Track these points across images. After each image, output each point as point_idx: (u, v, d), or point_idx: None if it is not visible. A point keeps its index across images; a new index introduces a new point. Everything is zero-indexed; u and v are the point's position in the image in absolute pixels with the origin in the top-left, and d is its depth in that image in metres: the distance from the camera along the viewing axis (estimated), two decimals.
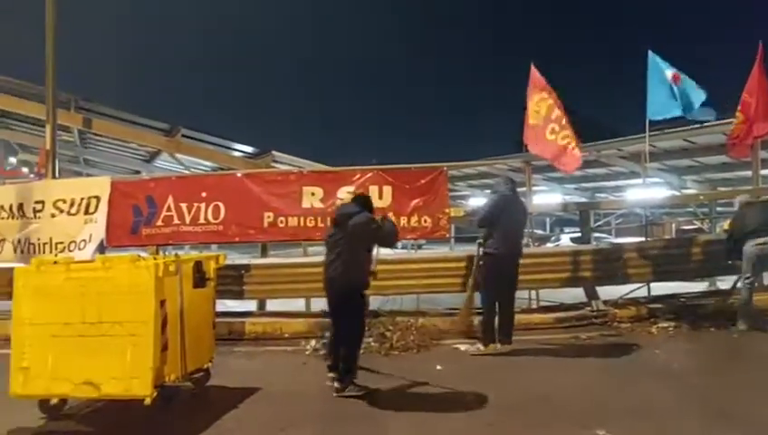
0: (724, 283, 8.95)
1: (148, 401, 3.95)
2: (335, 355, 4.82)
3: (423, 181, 7.53)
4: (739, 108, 7.99)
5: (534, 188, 17.60)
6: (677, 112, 8.18)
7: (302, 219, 7.41)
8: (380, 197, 7.45)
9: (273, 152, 12.55)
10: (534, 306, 8.02)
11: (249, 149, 13.15)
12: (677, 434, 3.80)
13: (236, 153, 13.24)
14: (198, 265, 4.72)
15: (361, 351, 5.89)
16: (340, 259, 4.74)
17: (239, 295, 7.32)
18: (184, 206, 7.45)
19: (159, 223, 7.46)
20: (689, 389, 4.62)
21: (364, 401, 4.48)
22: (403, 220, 7.46)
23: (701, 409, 4.16)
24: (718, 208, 20.36)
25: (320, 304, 7.87)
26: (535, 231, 14.34)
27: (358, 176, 7.54)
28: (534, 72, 7.90)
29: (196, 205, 7.45)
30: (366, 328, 5.33)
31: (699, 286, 8.44)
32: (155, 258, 4.75)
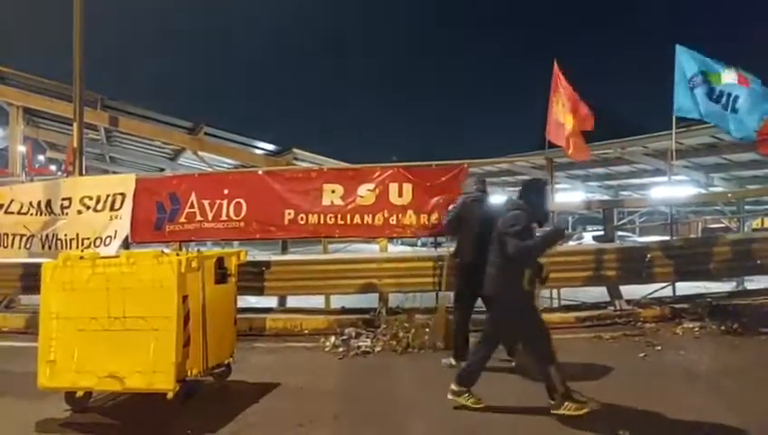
0: (753, 283, 8.74)
1: (170, 395, 4.01)
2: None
3: (443, 179, 7.50)
4: None
5: (557, 186, 17.37)
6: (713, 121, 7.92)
7: (322, 217, 7.45)
8: (400, 194, 7.47)
9: (295, 150, 12.65)
10: (556, 305, 7.91)
11: (270, 146, 13.28)
12: None
13: (258, 151, 13.39)
14: (220, 262, 4.78)
15: (379, 349, 5.97)
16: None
17: (260, 292, 7.39)
18: (206, 203, 7.55)
19: (182, 219, 7.58)
20: (717, 391, 4.51)
21: (383, 400, 4.48)
22: (423, 218, 7.45)
23: (728, 412, 4.05)
24: (747, 207, 19.93)
25: (339, 301, 7.94)
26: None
27: (378, 173, 7.55)
28: (557, 69, 7.81)
29: (218, 202, 7.54)
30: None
31: (726, 286, 8.22)
32: (178, 254, 4.81)
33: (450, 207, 6.01)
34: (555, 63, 7.85)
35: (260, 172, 7.99)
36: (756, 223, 19.28)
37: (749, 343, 5.91)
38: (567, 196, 20.00)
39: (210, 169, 13.53)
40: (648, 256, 7.24)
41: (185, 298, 4.15)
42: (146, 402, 4.25)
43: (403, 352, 5.95)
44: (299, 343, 6.49)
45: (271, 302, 8.16)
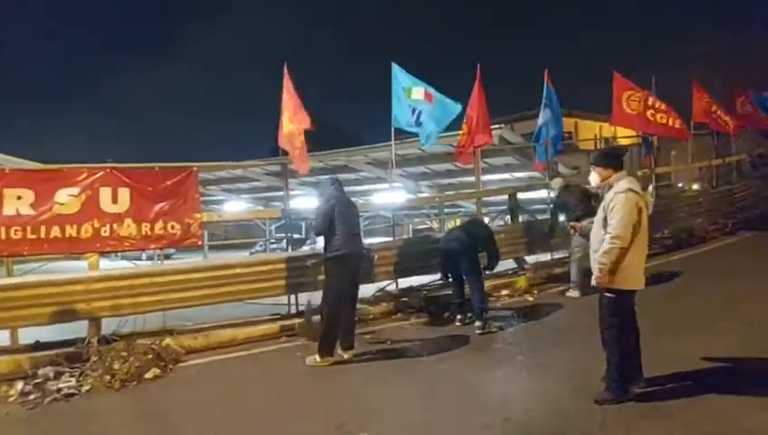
0: None
1: None
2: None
3: (169, 183, 6.79)
4: (464, 121, 9.21)
5: (292, 193, 17.73)
6: (416, 132, 9.05)
7: (3, 230, 5.89)
8: (115, 201, 6.51)
9: None
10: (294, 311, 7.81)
11: None
12: (429, 425, 3.96)
13: None
14: None
15: (87, 388, 4.95)
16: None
17: None
18: None
19: None
20: (437, 376, 4.97)
21: None
22: (145, 228, 6.61)
23: (447, 395, 4.49)
24: (446, 210, 23.74)
25: (31, 334, 6.30)
26: (293, 235, 14.36)
27: (84, 176, 6.41)
28: (287, 79, 7.81)
29: None
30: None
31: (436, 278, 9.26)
32: None
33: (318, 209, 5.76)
34: (285, 70, 7.82)
35: None
36: (452, 223, 23.13)
37: (459, 328, 6.71)
38: (302, 201, 20.65)
39: None
40: (375, 256, 7.71)
41: None
42: None
43: (121, 386, 5.02)
44: None
45: None
